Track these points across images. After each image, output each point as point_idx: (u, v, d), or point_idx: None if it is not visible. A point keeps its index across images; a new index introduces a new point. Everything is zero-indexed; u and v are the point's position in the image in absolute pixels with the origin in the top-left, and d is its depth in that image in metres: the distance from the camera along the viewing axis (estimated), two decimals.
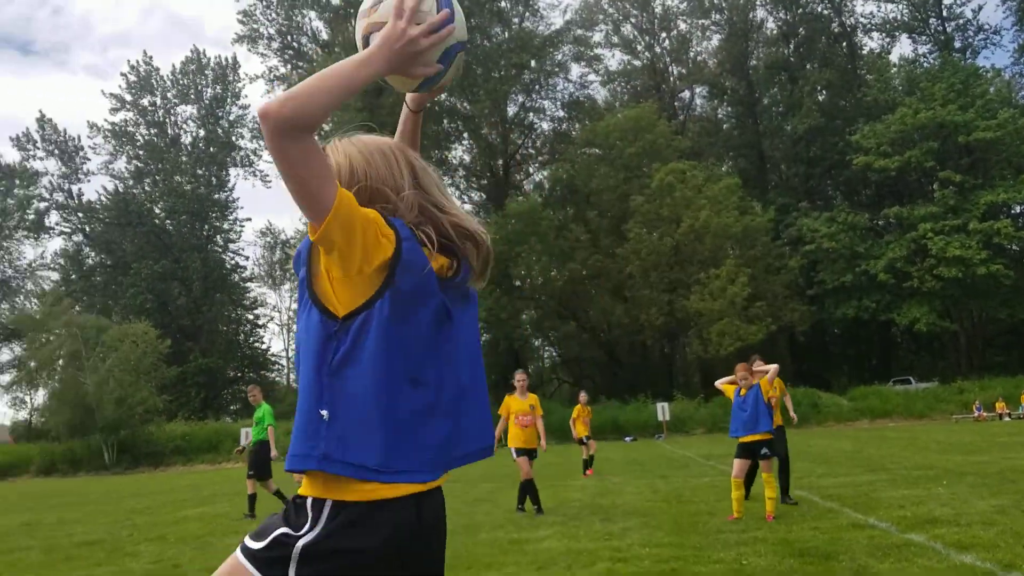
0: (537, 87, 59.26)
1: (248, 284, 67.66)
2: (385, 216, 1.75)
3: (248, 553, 1.76)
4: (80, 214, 64.84)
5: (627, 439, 38.97)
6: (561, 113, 62.00)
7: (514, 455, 10.90)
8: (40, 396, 58.38)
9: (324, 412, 1.72)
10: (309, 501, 1.73)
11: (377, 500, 1.69)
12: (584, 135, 55.47)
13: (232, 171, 67.67)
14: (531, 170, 63.81)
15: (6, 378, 71.54)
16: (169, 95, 66.22)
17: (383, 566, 1.69)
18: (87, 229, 65.33)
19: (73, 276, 62.86)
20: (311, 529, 1.69)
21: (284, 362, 70.35)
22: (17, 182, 67.25)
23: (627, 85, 65.88)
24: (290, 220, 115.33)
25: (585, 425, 18.08)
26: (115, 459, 42.84)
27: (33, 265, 75.39)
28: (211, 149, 66.39)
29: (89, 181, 70.21)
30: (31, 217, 69.67)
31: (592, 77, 63.47)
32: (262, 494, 13.08)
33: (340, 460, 1.69)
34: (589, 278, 52.49)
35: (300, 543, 1.69)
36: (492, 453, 1.93)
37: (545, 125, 62.58)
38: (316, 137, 1.65)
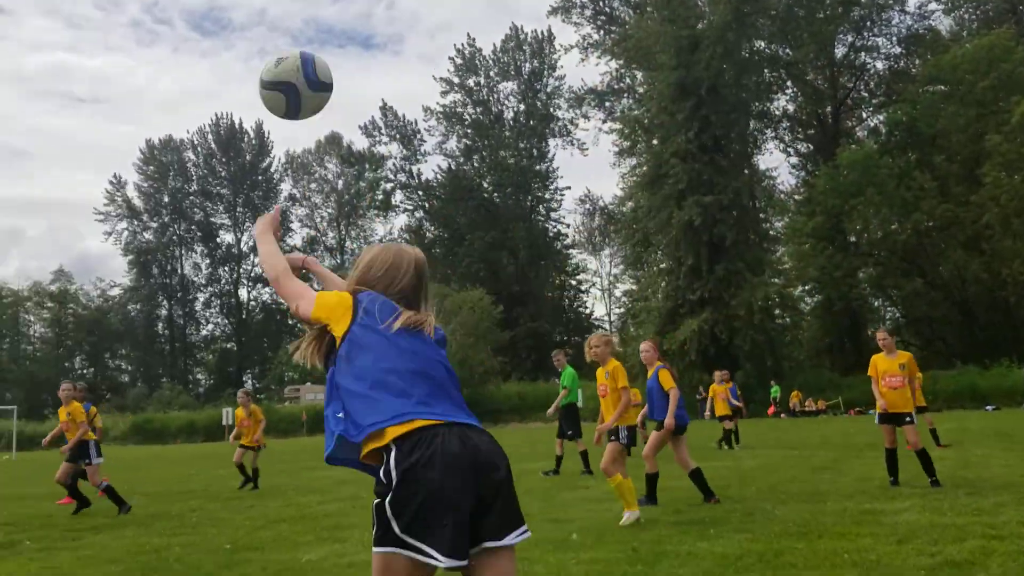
0: (868, 23, 54.34)
1: (570, 251, 69.91)
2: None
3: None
4: (420, 192, 70.86)
5: (988, 408, 34.85)
6: (897, 50, 56.38)
7: (876, 421, 9.81)
8: None
9: None
10: None
11: None
12: (926, 71, 49.88)
13: (551, 142, 70.19)
14: (864, 115, 58.86)
15: None
16: (491, 73, 70.07)
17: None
18: (426, 206, 71.29)
19: None
20: None
21: (607, 326, 72.00)
22: (367, 166, 75.20)
23: (976, 11, 58.18)
24: (607, 186, 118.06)
25: (723, 403, 18.06)
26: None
27: (383, 240, 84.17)
28: (531, 122, 69.28)
29: (426, 161, 76.25)
30: (380, 198, 77.58)
31: (933, 6, 56.87)
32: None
33: None
34: (937, 230, 47.45)
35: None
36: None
37: (879, 64, 57.32)
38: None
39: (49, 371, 77.84)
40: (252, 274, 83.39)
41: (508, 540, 2.34)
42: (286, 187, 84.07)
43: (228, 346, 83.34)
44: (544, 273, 66.22)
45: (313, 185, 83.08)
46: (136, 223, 79.61)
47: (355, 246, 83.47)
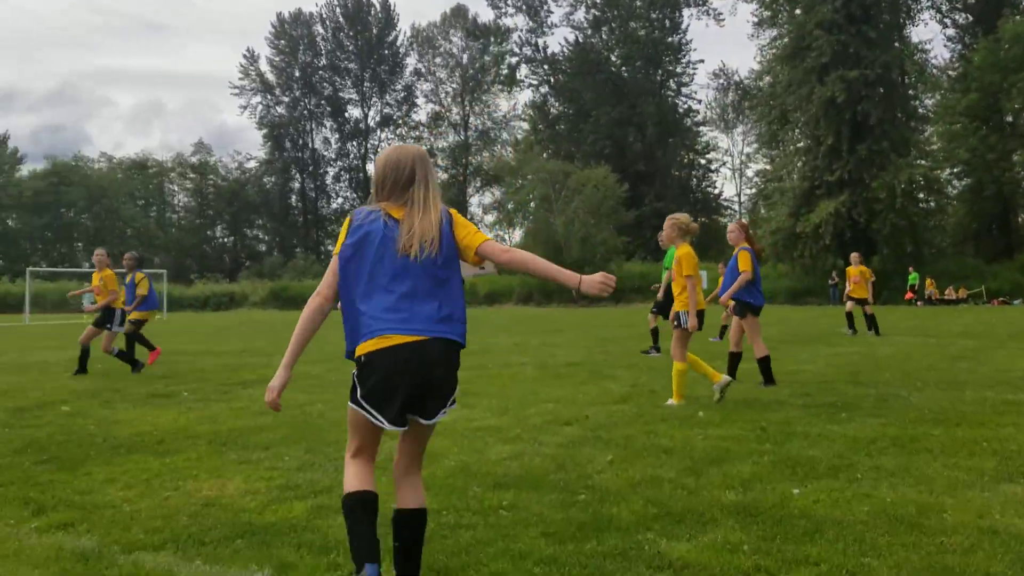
0: None
1: (700, 128, 67.56)
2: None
3: None
4: (545, 66, 69.47)
5: None
6: None
7: None
8: (517, 234, 65.65)
9: None
10: None
11: None
12: None
13: (685, 12, 66.94)
14: None
15: (489, 218, 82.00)
16: None
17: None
18: (551, 80, 69.92)
19: (540, 126, 68.14)
20: None
21: (736, 207, 70.09)
22: (492, 40, 73.90)
23: None
24: (744, 59, 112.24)
25: (862, 286, 17.34)
26: (579, 293, 46.84)
27: (507, 116, 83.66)
28: None
29: (552, 34, 74.65)
30: (504, 72, 76.52)
31: None
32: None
33: None
34: None
35: None
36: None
37: None
38: None
39: (193, 239, 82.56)
40: (378, 149, 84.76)
41: (433, 420, 3.12)
42: (411, 62, 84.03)
43: None
44: (672, 151, 64.43)
45: (438, 60, 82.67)
46: (269, 97, 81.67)
47: (479, 122, 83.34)
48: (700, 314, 7.91)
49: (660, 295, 12.94)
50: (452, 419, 7.05)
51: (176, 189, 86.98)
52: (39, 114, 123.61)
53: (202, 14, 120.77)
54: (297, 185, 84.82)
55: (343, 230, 3.20)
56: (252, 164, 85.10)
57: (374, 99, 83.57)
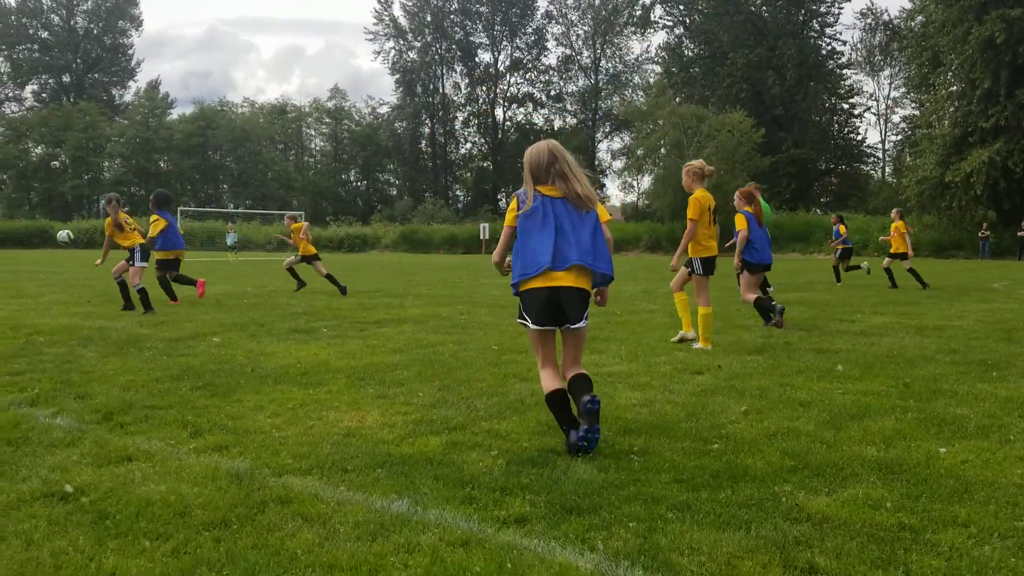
0: None
1: (844, 71, 64.08)
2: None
3: None
4: (681, 7, 67.15)
5: None
6: None
7: None
8: (646, 181, 64.61)
9: None
10: None
11: None
12: None
13: None
14: None
15: (618, 164, 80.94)
16: None
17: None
18: (687, 21, 67.61)
19: (674, 69, 66.24)
20: None
21: (880, 154, 66.52)
22: None
23: None
24: None
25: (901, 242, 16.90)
26: (719, 244, 45.90)
27: (639, 59, 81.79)
28: None
29: None
30: (637, 13, 74.67)
31: None
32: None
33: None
34: None
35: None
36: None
37: None
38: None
39: (328, 182, 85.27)
40: (508, 94, 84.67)
41: (577, 325, 4.48)
42: (542, 4, 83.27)
43: (484, 164, 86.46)
44: (813, 95, 61.37)
45: (570, 2, 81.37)
46: (401, 42, 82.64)
47: (610, 65, 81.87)
48: (711, 260, 8.37)
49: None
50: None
51: (313, 134, 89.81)
52: (188, 60, 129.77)
53: None
54: (427, 130, 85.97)
55: (512, 207, 4.67)
56: (384, 109, 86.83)
57: (504, 43, 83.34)
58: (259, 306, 12.38)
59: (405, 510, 3.45)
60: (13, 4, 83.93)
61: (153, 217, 12.32)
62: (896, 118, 65.39)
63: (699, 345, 8.04)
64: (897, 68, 63.08)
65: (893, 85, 65.97)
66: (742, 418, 5.08)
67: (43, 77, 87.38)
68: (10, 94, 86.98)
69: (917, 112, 50.75)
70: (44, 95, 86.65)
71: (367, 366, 6.91)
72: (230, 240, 41.00)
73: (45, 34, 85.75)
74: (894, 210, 18.02)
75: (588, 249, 4.47)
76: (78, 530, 3.21)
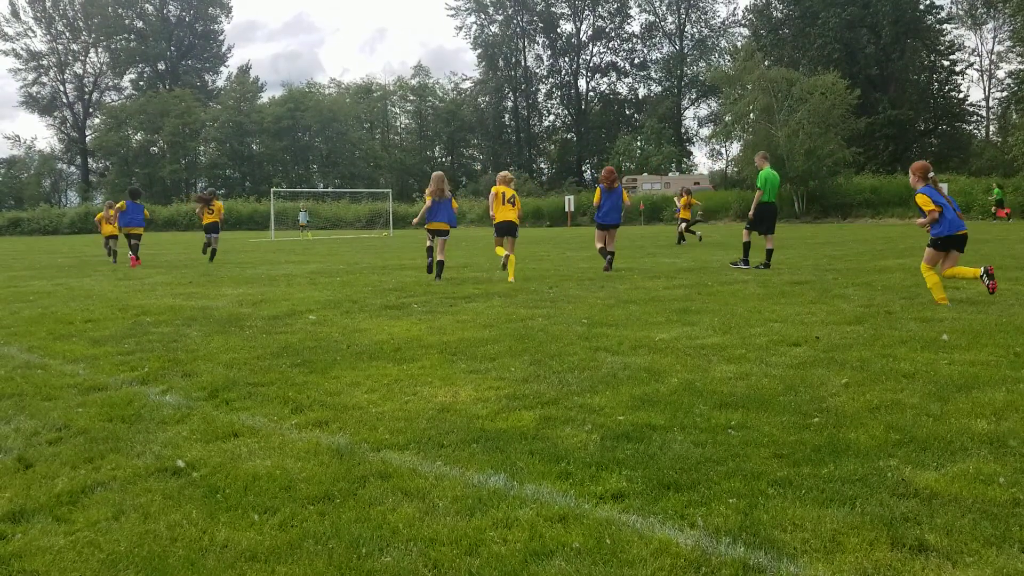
0: None
1: (944, 26, 61.06)
2: None
3: None
4: None
5: None
6: None
7: None
8: (735, 148, 63.16)
9: None
10: None
11: None
12: None
13: None
14: None
15: (705, 131, 79.31)
16: None
17: None
18: None
19: (762, 31, 64.34)
20: None
21: (983, 113, 63.33)
22: None
23: None
24: None
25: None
26: (804, 208, 44.60)
27: (726, 23, 79.73)
28: None
29: None
30: None
31: None
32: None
33: None
34: None
35: None
36: None
37: None
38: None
39: (414, 159, 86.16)
40: (591, 64, 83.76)
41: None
42: None
43: (568, 136, 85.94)
44: (910, 53, 58.74)
45: None
46: (483, 16, 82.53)
47: (695, 30, 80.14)
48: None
49: (751, 214, 14.06)
50: (674, 336, 7.00)
51: (398, 111, 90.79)
52: (277, 43, 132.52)
53: None
54: (510, 104, 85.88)
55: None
56: (467, 84, 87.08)
57: (587, 12, 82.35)
58: (351, 284, 12.63)
59: (502, 485, 3.48)
60: None
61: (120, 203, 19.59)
62: (1001, 74, 61.88)
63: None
64: (1001, 21, 59.74)
65: (997, 39, 62.45)
66: (843, 391, 4.94)
67: (140, 66, 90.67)
68: (110, 83, 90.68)
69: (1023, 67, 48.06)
70: (141, 83, 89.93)
71: (458, 341, 6.98)
72: (302, 219, 41.96)
73: (140, 24, 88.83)
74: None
75: None
76: (191, 504, 3.35)
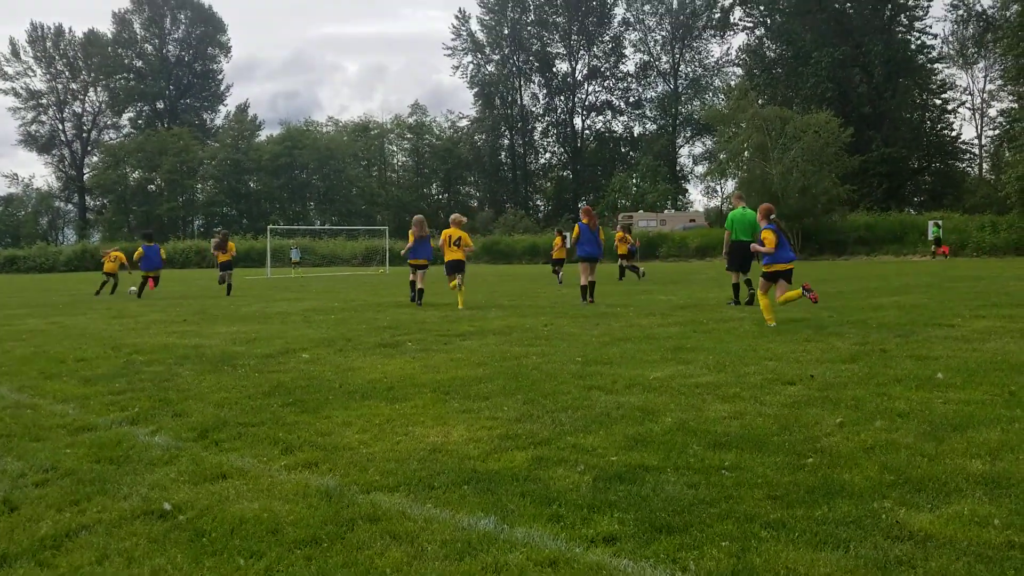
0: None
1: (936, 66, 61.79)
2: None
3: None
4: (761, 7, 65.95)
5: None
6: None
7: None
8: (729, 185, 63.50)
9: None
10: None
11: None
12: None
13: None
14: None
15: (700, 169, 79.82)
16: None
17: None
18: (767, 22, 66.38)
19: (756, 70, 65.03)
20: None
21: (976, 151, 63.85)
22: None
23: None
24: None
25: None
26: (799, 246, 44.76)
27: (720, 62, 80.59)
28: None
29: None
30: (716, 15, 73.57)
31: None
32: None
33: None
34: None
35: None
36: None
37: None
38: None
39: (411, 196, 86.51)
40: (586, 103, 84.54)
41: None
42: (619, 11, 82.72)
43: (564, 174, 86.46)
44: (903, 92, 59.29)
45: (647, 7, 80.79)
46: (479, 56, 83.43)
47: (689, 70, 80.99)
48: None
49: (724, 250, 14.37)
50: (668, 374, 6.97)
51: (395, 149, 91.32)
52: (276, 82, 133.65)
53: None
54: (506, 142, 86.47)
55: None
56: (464, 123, 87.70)
57: (582, 52, 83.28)
58: (346, 321, 12.61)
59: (492, 528, 3.44)
60: (109, 36, 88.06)
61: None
62: (993, 112, 62.50)
63: None
64: (992, 60, 60.47)
65: (988, 78, 63.20)
66: (837, 430, 4.92)
67: (138, 104, 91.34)
68: (108, 122, 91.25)
69: (1015, 105, 48.58)
70: (140, 122, 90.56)
71: (452, 380, 6.95)
72: (294, 256, 42.03)
73: (139, 63, 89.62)
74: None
75: None
76: (176, 548, 3.30)
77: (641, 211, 62.81)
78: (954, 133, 62.40)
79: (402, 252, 15.96)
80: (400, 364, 7.94)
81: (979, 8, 60.18)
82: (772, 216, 10.83)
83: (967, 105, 65.03)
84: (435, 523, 3.51)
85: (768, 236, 10.45)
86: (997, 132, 60.24)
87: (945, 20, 68.34)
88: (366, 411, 5.80)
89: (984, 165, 63.28)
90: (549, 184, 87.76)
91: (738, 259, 13.90)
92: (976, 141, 64.70)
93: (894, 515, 3.46)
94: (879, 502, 3.63)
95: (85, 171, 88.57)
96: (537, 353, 8.45)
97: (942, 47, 63.58)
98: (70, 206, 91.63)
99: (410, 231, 15.71)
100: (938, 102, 61.96)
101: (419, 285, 15.59)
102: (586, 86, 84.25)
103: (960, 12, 62.05)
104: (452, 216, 15.73)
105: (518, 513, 3.61)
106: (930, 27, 63.92)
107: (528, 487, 3.98)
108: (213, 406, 6.08)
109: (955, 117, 64.22)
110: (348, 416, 5.65)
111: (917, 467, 4.12)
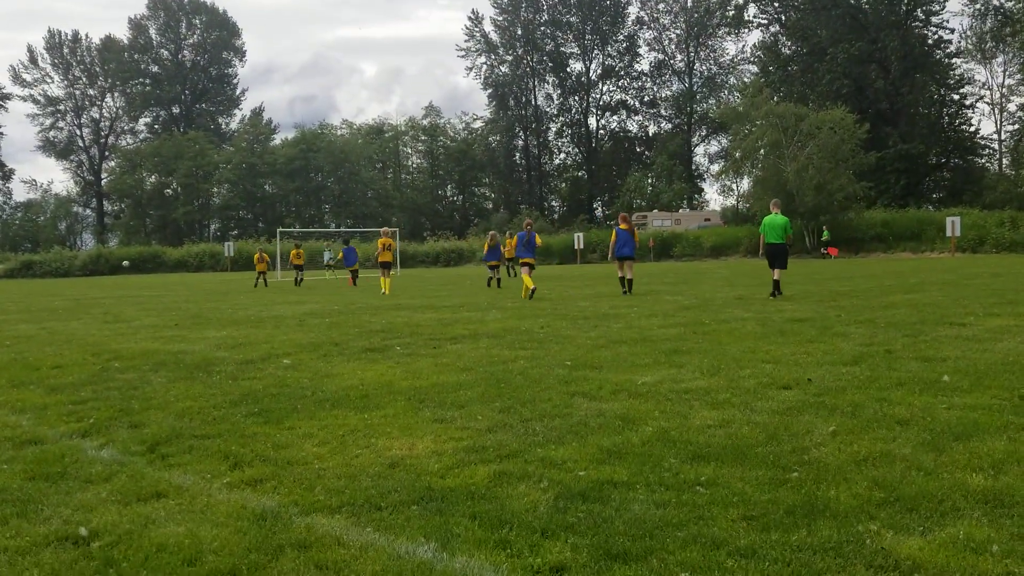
0: None
1: (953, 60, 60.90)
2: None
3: None
4: (776, 4, 65.33)
5: None
6: None
7: None
8: (745, 183, 62.87)
9: None
10: None
11: None
12: None
13: None
14: None
15: (715, 167, 79.13)
16: None
17: None
18: (783, 18, 65.74)
19: (771, 68, 64.38)
20: None
21: (996, 145, 62.81)
22: None
23: None
24: None
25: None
26: (815, 243, 44.13)
27: (734, 60, 79.92)
28: None
29: None
30: (731, 13, 72.89)
31: None
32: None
33: None
34: None
35: None
36: None
37: None
38: None
39: (425, 198, 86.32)
40: (600, 103, 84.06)
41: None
42: (633, 10, 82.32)
43: (579, 174, 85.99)
44: (920, 87, 58.43)
45: (661, 6, 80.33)
46: (493, 57, 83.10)
47: (704, 68, 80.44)
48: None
49: (760, 252, 15.75)
50: (658, 379, 6.62)
51: (409, 151, 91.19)
52: (294, 85, 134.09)
53: None
54: (520, 142, 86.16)
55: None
56: (478, 124, 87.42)
57: (596, 51, 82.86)
58: (339, 325, 12.31)
59: (430, 556, 3.11)
60: (126, 41, 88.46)
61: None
62: (1012, 107, 61.44)
63: None
64: (1011, 54, 59.54)
65: (1007, 72, 62.18)
66: (829, 440, 4.55)
67: (155, 109, 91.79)
68: (125, 127, 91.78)
69: None
70: (156, 127, 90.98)
71: (430, 386, 6.62)
72: (326, 258, 41.86)
73: (155, 68, 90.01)
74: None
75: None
76: None
77: (656, 210, 62.31)
78: (972, 128, 61.53)
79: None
80: (382, 370, 7.62)
81: (997, 2, 59.23)
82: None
83: (986, 100, 63.91)
84: (370, 550, 3.18)
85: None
86: (1016, 127, 59.31)
87: (962, 14, 67.22)
88: (332, 421, 5.48)
89: (1004, 160, 62.26)
90: (564, 185, 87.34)
91: (773, 259, 15.32)
92: (995, 136, 63.65)
93: (880, 540, 3.10)
94: (865, 524, 3.27)
95: (103, 176, 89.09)
96: (526, 357, 8.11)
97: (960, 42, 62.67)
98: (88, 211, 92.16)
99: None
100: (956, 97, 61.12)
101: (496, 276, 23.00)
102: (600, 86, 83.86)
103: (978, 6, 61.09)
104: (383, 228, 23.49)
105: (463, 538, 3.28)
106: (947, 21, 63.27)
107: (481, 507, 3.64)
108: (174, 416, 5.78)
109: (973, 112, 63.06)
110: (311, 427, 5.33)
111: (911, 483, 3.75)
